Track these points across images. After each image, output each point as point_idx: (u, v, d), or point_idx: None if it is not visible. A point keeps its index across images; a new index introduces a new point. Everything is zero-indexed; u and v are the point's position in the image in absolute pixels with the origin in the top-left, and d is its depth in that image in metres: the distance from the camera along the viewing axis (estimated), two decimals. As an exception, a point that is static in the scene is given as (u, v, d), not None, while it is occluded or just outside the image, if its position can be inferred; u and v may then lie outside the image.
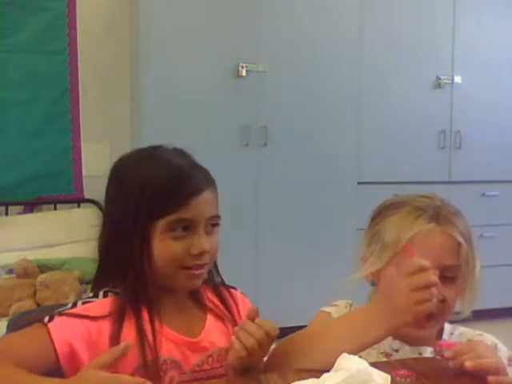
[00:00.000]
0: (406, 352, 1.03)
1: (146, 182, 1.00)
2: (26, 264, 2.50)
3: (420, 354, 1.04)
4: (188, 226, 1.00)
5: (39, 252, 2.76)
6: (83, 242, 2.95)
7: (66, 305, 1.00)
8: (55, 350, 0.91)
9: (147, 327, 0.99)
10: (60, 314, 0.95)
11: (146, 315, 1.00)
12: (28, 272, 2.47)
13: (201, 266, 1.02)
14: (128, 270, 1.00)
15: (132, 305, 1.00)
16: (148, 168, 1.03)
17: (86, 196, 3.24)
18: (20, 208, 3.12)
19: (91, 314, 0.96)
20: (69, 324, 0.94)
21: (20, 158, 3.12)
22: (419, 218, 1.02)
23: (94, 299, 1.01)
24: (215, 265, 1.11)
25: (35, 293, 2.38)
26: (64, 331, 0.93)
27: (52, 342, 0.92)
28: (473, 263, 1.03)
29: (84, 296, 1.05)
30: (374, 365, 0.83)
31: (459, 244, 1.01)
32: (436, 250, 1.00)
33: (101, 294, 1.03)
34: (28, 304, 2.30)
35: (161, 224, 0.99)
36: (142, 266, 1.00)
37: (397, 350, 1.03)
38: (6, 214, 3.07)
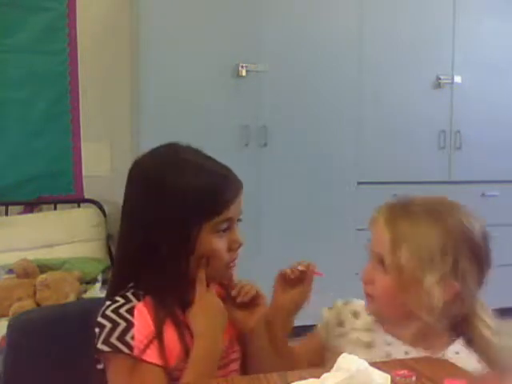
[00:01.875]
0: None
1: (191, 183, 1.03)
2: (26, 264, 2.50)
3: (406, 353, 1.05)
4: (230, 224, 1.07)
5: (39, 252, 2.76)
6: (83, 242, 2.95)
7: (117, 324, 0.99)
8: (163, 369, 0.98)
9: (182, 320, 1.03)
10: (142, 349, 0.98)
11: (177, 308, 1.04)
12: (28, 272, 2.47)
13: (235, 259, 1.09)
14: (169, 271, 1.03)
15: (167, 301, 1.03)
16: (188, 170, 1.05)
17: (86, 196, 3.24)
18: (20, 208, 3.13)
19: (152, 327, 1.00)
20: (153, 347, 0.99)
21: (20, 158, 3.13)
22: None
23: (131, 303, 1.02)
24: None
25: (35, 293, 2.38)
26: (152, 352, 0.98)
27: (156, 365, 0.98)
28: (411, 268, 1.00)
29: (108, 303, 1.04)
30: (374, 365, 0.83)
31: (385, 235, 1.03)
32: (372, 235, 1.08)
33: (130, 296, 1.04)
34: (28, 304, 2.30)
35: (209, 225, 1.03)
36: (185, 266, 1.04)
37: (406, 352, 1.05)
38: (6, 214, 3.07)
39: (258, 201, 3.08)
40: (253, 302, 1.10)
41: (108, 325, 0.98)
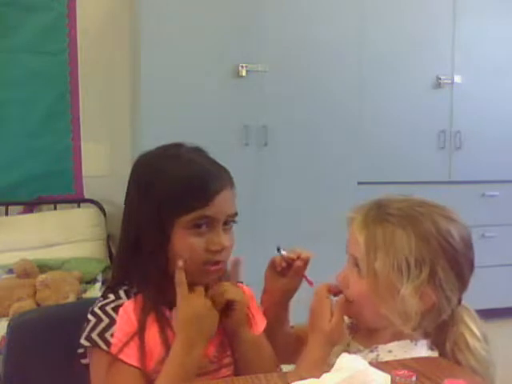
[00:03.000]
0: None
1: (171, 180, 1.02)
2: (26, 264, 2.50)
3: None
4: (209, 223, 1.02)
5: (39, 252, 2.76)
6: (83, 242, 2.95)
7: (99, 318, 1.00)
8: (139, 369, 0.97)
9: (168, 320, 1.01)
10: (121, 348, 0.97)
11: (164, 309, 1.03)
12: (28, 272, 2.47)
13: (217, 263, 1.03)
14: (150, 269, 1.02)
15: (153, 299, 1.02)
16: (170, 167, 1.04)
17: (86, 196, 3.25)
18: (20, 208, 3.13)
19: (134, 326, 0.99)
20: (132, 346, 0.98)
21: (20, 158, 3.13)
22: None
23: (120, 301, 1.02)
24: None
25: (35, 293, 2.38)
26: (131, 353, 0.98)
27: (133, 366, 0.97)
28: (386, 275, 0.97)
29: (99, 298, 1.05)
30: (374, 365, 0.83)
31: (360, 238, 1.02)
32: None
33: (122, 293, 1.04)
34: (28, 304, 2.30)
35: (184, 221, 1.00)
36: (164, 263, 1.02)
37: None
38: (6, 214, 3.07)
39: (258, 201, 3.08)
40: (229, 307, 1.04)
41: (93, 320, 0.99)
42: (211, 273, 1.03)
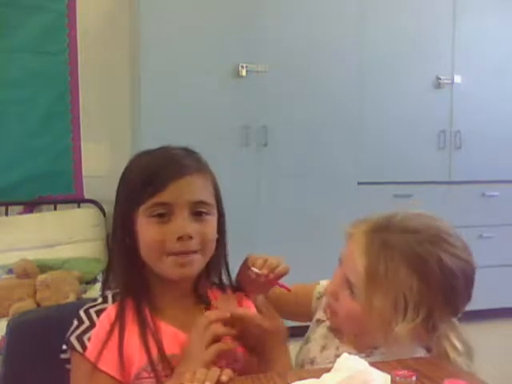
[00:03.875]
0: None
1: (132, 173, 1.03)
2: (26, 264, 2.50)
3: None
4: (169, 211, 0.98)
5: (39, 252, 2.76)
6: (83, 242, 2.95)
7: (80, 318, 1.00)
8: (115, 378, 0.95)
9: (150, 325, 0.99)
10: (99, 353, 0.95)
11: (147, 313, 1.00)
12: (28, 272, 2.47)
13: (186, 253, 0.99)
14: (121, 267, 1.01)
15: (134, 302, 1.00)
16: (136, 163, 1.05)
17: (86, 196, 3.25)
18: (20, 208, 3.13)
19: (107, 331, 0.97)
20: (108, 354, 0.96)
21: (20, 158, 3.13)
22: None
23: (105, 305, 1.01)
24: (227, 266, 1.11)
25: (35, 293, 2.38)
26: (108, 360, 0.96)
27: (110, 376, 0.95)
28: (382, 310, 0.95)
29: (90, 301, 1.05)
30: (374, 365, 0.83)
31: (360, 262, 0.98)
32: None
33: (109, 297, 1.03)
34: (28, 304, 2.30)
35: (142, 209, 0.99)
36: (135, 258, 1.00)
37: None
38: (6, 214, 3.07)
39: (258, 201, 3.08)
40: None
41: (75, 323, 0.99)
42: (182, 264, 0.99)
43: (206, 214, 1.02)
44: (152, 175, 0.98)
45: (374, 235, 0.99)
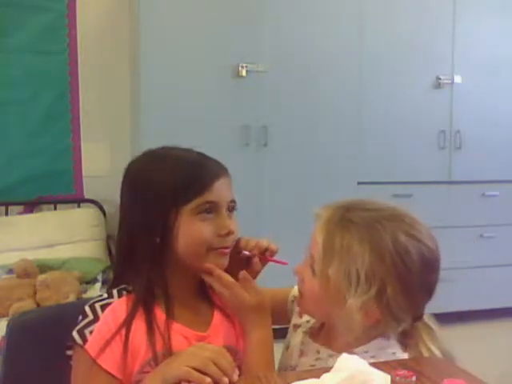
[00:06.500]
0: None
1: (168, 174, 1.03)
2: (26, 264, 2.51)
3: None
4: (213, 208, 1.04)
5: (39, 252, 2.77)
6: (83, 242, 2.95)
7: (85, 312, 1.00)
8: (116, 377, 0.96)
9: (157, 321, 1.00)
10: (101, 349, 0.96)
11: (156, 309, 1.02)
12: (28, 272, 2.47)
13: (227, 247, 1.06)
14: (145, 265, 1.02)
15: (145, 299, 1.01)
16: (166, 163, 1.06)
17: (86, 196, 3.25)
18: (20, 208, 3.13)
19: (115, 327, 0.98)
20: (109, 350, 0.97)
21: (20, 158, 3.13)
22: None
23: (110, 300, 1.02)
24: None
25: (35, 293, 2.38)
26: (109, 357, 0.96)
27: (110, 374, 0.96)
28: (337, 282, 0.96)
29: (96, 296, 1.05)
30: (374, 365, 0.83)
31: (319, 238, 1.01)
32: None
33: (115, 292, 1.04)
34: (28, 304, 2.30)
35: (188, 208, 1.02)
36: (162, 259, 1.03)
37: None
38: (6, 214, 3.07)
39: (258, 201, 3.08)
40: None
41: (79, 318, 1.00)
42: (224, 255, 1.06)
43: (235, 210, 1.10)
44: (196, 176, 1.03)
45: (334, 213, 1.03)
